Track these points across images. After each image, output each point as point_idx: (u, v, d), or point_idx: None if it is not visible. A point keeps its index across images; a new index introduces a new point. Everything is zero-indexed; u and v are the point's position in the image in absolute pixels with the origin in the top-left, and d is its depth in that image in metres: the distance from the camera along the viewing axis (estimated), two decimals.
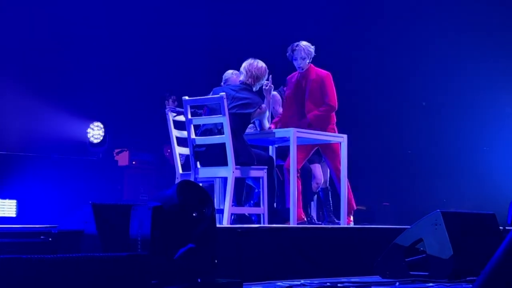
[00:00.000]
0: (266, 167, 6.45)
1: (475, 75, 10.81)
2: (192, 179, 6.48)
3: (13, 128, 10.29)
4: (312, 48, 7.35)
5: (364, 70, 11.18)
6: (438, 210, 4.87)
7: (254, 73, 6.63)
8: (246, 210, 6.79)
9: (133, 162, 11.16)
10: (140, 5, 11.59)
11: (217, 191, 7.06)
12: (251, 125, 6.91)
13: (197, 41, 11.86)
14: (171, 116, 7.02)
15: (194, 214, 3.29)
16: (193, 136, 6.56)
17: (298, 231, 5.57)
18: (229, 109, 6.37)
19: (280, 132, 6.76)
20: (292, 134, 6.57)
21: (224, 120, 6.27)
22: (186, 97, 6.55)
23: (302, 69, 7.32)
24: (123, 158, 11.05)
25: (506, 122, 10.95)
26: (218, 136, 6.42)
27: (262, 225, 6.13)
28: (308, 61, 7.32)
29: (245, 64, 6.70)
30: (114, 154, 11.02)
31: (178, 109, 7.08)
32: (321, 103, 7.26)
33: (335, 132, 7.24)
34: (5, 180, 9.23)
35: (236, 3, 11.93)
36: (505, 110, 11.15)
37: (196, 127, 6.73)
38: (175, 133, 6.94)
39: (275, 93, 7.81)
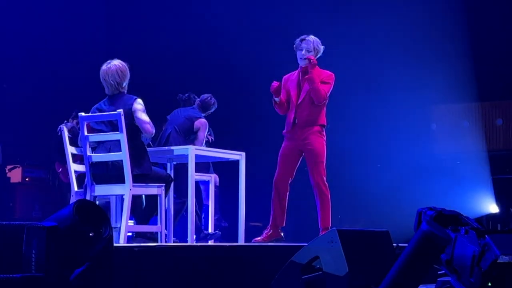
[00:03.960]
0: (164, 184, 6.40)
1: (367, 95, 11.04)
2: (88, 196, 6.36)
3: None
4: (321, 46, 7.00)
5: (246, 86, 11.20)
6: (334, 227, 4.94)
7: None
8: (144, 228, 6.70)
9: (26, 179, 10.89)
10: (31, 15, 11.35)
11: (113, 208, 6.95)
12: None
13: (94, 53, 11.71)
14: (66, 132, 6.89)
15: (90, 234, 3.23)
16: (89, 153, 6.44)
17: (195, 249, 5.55)
18: None
19: (178, 150, 6.72)
20: (190, 151, 6.56)
21: (121, 137, 6.19)
22: (83, 113, 6.43)
23: (304, 60, 6.88)
24: (15, 175, 10.78)
25: (398, 139, 11.22)
26: (114, 153, 6.31)
27: (160, 243, 6.07)
28: (313, 55, 6.93)
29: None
30: (6, 171, 10.73)
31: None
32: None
33: (322, 133, 6.93)
34: None
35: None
36: (399, 128, 11.43)
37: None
38: (70, 149, 6.80)
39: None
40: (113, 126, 6.32)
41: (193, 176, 6.58)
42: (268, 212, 9.44)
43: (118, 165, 6.23)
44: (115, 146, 6.28)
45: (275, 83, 6.87)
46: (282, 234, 7.12)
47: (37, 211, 10.61)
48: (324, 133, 6.96)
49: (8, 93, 11.02)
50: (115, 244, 3.61)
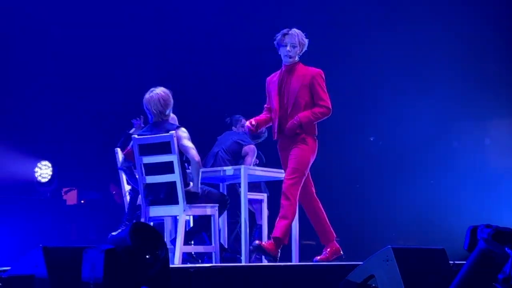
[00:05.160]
0: (217, 205, 6.43)
1: (421, 109, 10.95)
2: (142, 218, 6.43)
3: None
4: (306, 40, 6.32)
5: None
6: (389, 246, 4.90)
7: None
8: (196, 249, 6.74)
9: (82, 201, 11.07)
10: (82, 40, 11.53)
11: (167, 229, 7.01)
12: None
13: (145, 77, 11.84)
14: (120, 154, 6.98)
15: (147, 257, 3.26)
16: (143, 174, 6.49)
17: (250, 269, 5.55)
18: None
19: (230, 170, 6.75)
20: (243, 171, 6.58)
21: (174, 158, 6.24)
22: (136, 136, 6.50)
23: (290, 58, 6.26)
24: (71, 197, 10.96)
25: (452, 155, 11.10)
26: (168, 174, 6.35)
27: (214, 264, 6.09)
28: (298, 52, 6.30)
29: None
30: (63, 193, 10.92)
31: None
32: (311, 106, 6.26)
33: (308, 141, 6.27)
34: None
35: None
36: (452, 144, 11.32)
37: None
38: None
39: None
40: (156, 150, 6.35)
41: (245, 195, 6.60)
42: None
43: (170, 187, 6.28)
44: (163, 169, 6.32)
45: (248, 125, 6.43)
46: (341, 252, 6.63)
47: (93, 233, 10.75)
48: (314, 142, 6.32)
49: (63, 116, 11.21)
50: (170, 265, 3.64)
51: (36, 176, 10.69)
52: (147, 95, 6.45)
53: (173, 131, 6.25)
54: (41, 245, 3.52)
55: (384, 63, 10.91)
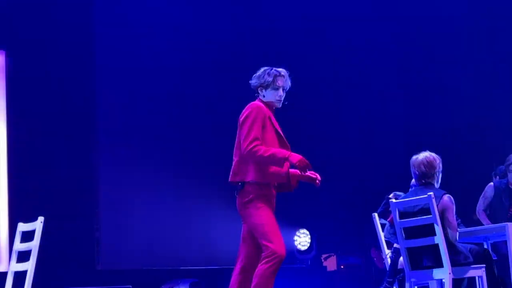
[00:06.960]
0: (484, 265, 6.20)
1: None
2: (407, 282, 6.35)
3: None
4: None
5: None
6: None
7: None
8: None
9: (341, 267, 11.15)
10: None
11: None
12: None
13: (394, 139, 11.78)
14: (377, 219, 7.01)
15: None
16: (404, 238, 6.43)
17: None
18: None
19: (487, 230, 6.49)
20: (508, 228, 6.32)
21: (434, 220, 6.13)
22: (394, 200, 6.47)
23: (280, 104, 5.49)
24: (331, 263, 11.10)
25: None
26: (430, 237, 6.23)
27: None
28: None
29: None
30: (322, 260, 11.09)
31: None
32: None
33: (248, 195, 5.20)
34: None
35: None
36: None
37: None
38: (383, 235, 6.91)
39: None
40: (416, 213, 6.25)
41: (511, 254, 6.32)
42: None
43: (433, 249, 6.15)
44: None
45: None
46: None
47: None
48: (256, 193, 5.21)
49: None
50: None
51: (295, 244, 10.96)
52: (413, 157, 6.41)
53: (431, 193, 6.16)
54: None
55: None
